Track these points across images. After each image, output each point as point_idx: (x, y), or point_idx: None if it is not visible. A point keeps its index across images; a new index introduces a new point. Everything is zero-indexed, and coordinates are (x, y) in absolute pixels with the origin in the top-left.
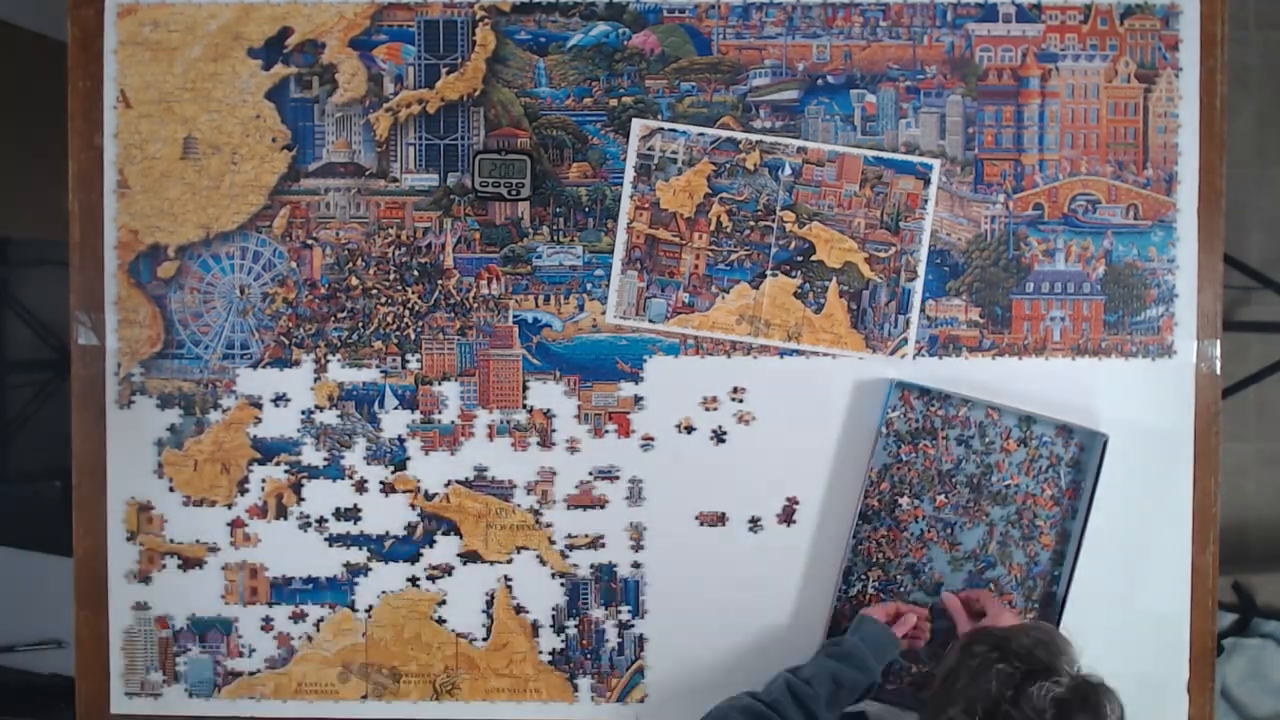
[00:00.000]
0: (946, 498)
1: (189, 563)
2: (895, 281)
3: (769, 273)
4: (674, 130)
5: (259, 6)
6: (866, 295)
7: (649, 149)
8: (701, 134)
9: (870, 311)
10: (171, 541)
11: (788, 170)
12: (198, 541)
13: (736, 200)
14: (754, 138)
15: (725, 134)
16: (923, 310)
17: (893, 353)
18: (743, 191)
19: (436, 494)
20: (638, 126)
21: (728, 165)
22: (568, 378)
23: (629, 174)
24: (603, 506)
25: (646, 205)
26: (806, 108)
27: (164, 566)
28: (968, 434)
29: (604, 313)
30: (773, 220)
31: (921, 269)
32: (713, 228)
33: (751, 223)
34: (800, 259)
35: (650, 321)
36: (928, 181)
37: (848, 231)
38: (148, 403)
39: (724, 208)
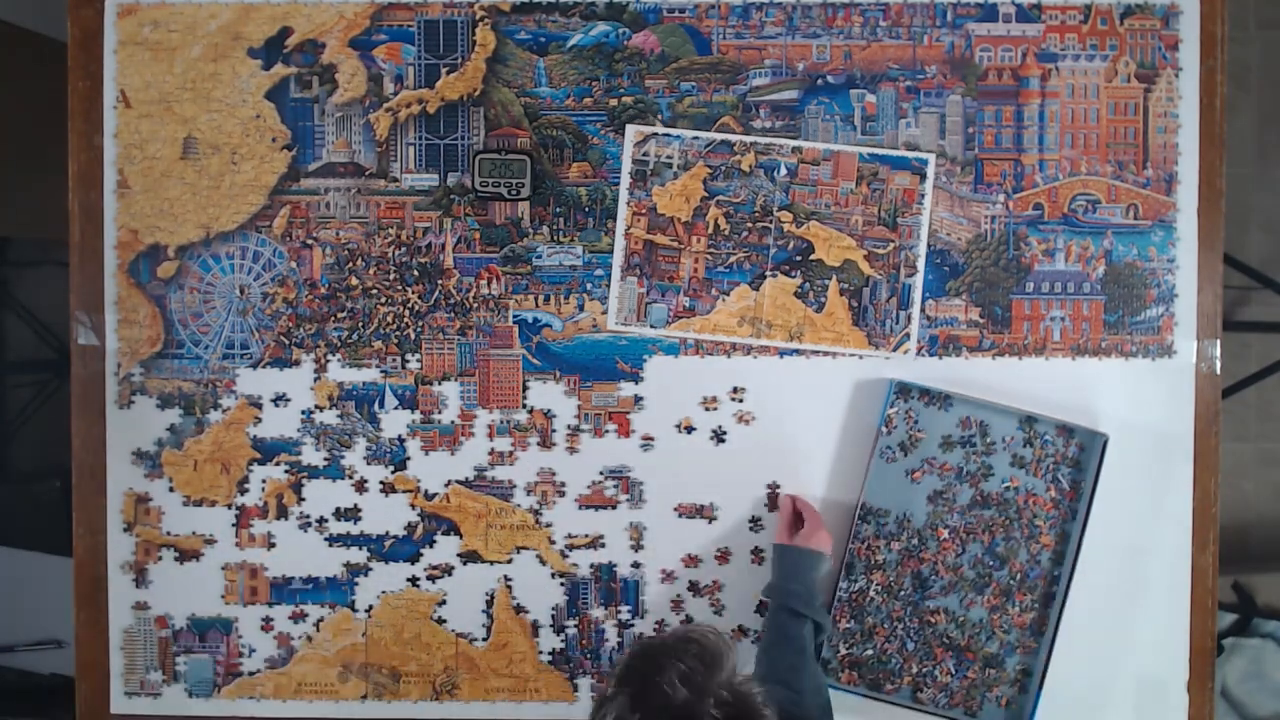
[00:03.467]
0: (947, 500)
1: (186, 554)
2: (895, 278)
3: (768, 273)
4: (668, 135)
5: (259, 6)
6: (867, 292)
7: (643, 154)
8: (696, 137)
9: (871, 308)
10: (168, 534)
11: (783, 170)
12: (194, 533)
13: (733, 202)
14: (748, 139)
15: (720, 137)
16: (923, 310)
17: (895, 349)
18: (739, 193)
19: (436, 494)
20: (631, 133)
21: (723, 168)
22: (568, 378)
23: (624, 180)
24: (614, 508)
25: (643, 211)
26: (806, 108)
27: (160, 559)
28: (968, 434)
29: (604, 313)
30: (770, 221)
31: (921, 264)
32: (710, 231)
33: (749, 224)
34: (799, 258)
35: (652, 327)
36: (923, 176)
37: (846, 229)
38: (148, 403)
39: (721, 210)
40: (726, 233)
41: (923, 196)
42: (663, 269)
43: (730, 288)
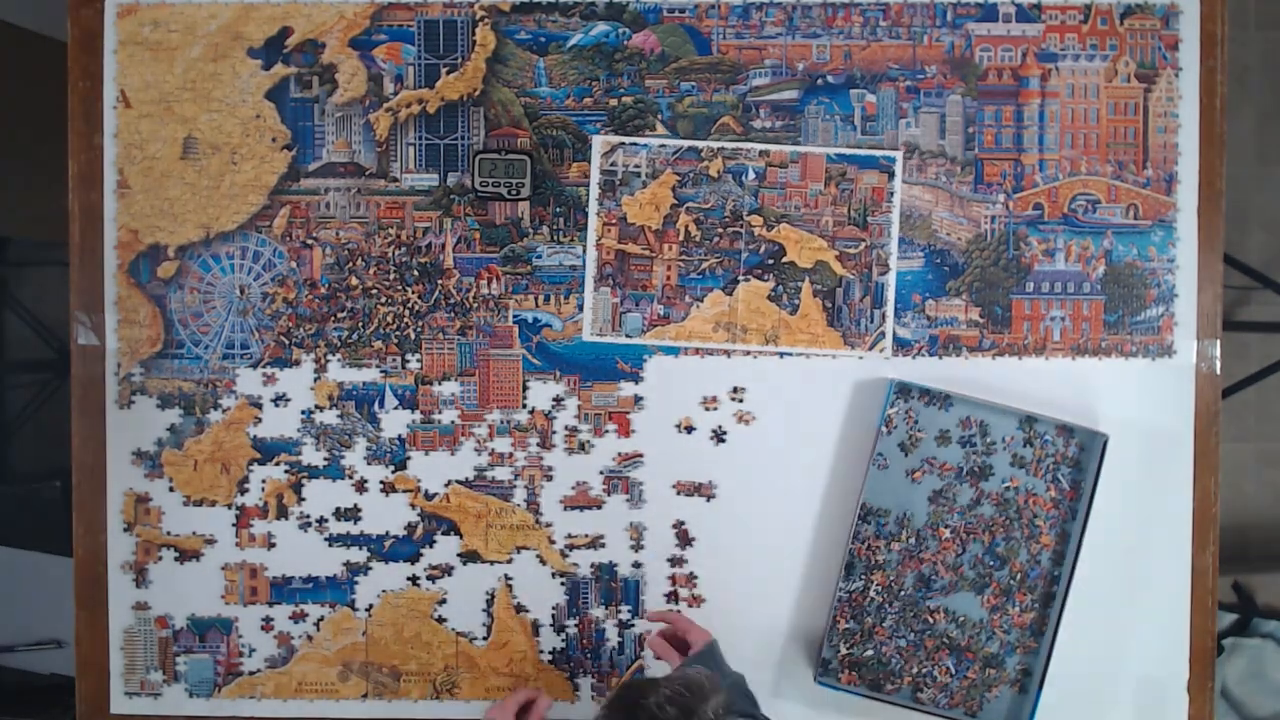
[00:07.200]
0: (949, 501)
1: (186, 555)
2: (868, 276)
3: (741, 278)
4: (634, 144)
5: (259, 6)
6: (840, 293)
7: (611, 165)
8: (663, 145)
9: (845, 308)
10: (168, 534)
11: (751, 174)
12: (194, 533)
13: (703, 208)
14: (715, 145)
15: (686, 144)
16: (922, 310)
17: (871, 348)
18: (709, 199)
19: (436, 494)
20: (598, 143)
21: (691, 174)
22: (568, 378)
23: (593, 191)
24: (599, 507)
25: (614, 221)
26: (806, 108)
27: (160, 559)
28: (968, 434)
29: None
30: (741, 225)
31: (893, 262)
32: (681, 238)
33: (720, 230)
34: (771, 262)
35: (627, 336)
36: (891, 174)
37: (816, 230)
38: (148, 403)
39: (691, 217)
40: (698, 239)
41: (892, 194)
42: (635, 278)
43: (704, 294)
